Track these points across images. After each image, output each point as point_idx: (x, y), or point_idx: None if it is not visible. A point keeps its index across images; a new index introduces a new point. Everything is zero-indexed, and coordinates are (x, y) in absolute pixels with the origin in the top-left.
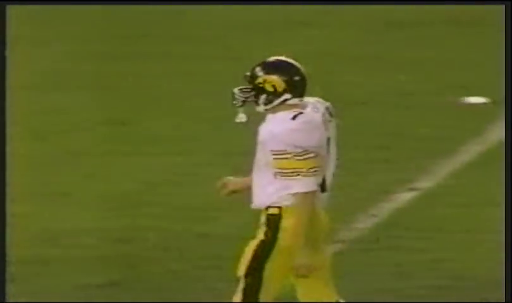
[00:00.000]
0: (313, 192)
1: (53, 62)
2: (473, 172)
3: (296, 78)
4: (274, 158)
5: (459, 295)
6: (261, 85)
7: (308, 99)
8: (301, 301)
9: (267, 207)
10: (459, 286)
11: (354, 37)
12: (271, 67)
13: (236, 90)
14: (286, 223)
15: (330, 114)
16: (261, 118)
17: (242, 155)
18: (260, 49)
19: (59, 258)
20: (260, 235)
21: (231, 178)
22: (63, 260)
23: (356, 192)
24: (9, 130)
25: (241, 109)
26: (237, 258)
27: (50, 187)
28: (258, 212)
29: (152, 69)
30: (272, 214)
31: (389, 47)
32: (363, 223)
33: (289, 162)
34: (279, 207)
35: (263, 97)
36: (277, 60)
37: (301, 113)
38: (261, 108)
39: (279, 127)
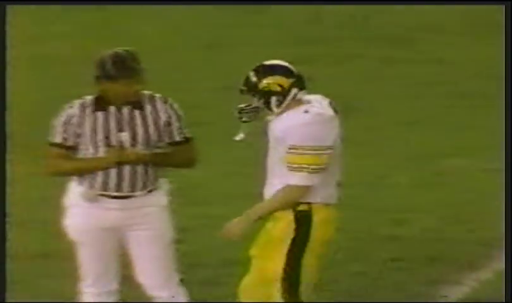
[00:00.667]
0: (307, 187)
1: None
2: None
3: (296, 72)
4: (289, 153)
5: None
6: (267, 88)
7: (309, 96)
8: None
9: (296, 205)
10: None
11: None
12: (269, 70)
13: (240, 109)
14: (317, 217)
15: (335, 110)
16: None
17: (436, 158)
18: (448, 51)
19: None
20: (289, 235)
21: None
22: None
23: None
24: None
25: (244, 126)
26: (430, 260)
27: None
28: (450, 213)
29: (343, 72)
30: (302, 211)
31: None
32: None
33: (297, 157)
34: (309, 203)
35: (274, 99)
36: (269, 63)
37: (311, 107)
38: (275, 111)
39: (296, 122)
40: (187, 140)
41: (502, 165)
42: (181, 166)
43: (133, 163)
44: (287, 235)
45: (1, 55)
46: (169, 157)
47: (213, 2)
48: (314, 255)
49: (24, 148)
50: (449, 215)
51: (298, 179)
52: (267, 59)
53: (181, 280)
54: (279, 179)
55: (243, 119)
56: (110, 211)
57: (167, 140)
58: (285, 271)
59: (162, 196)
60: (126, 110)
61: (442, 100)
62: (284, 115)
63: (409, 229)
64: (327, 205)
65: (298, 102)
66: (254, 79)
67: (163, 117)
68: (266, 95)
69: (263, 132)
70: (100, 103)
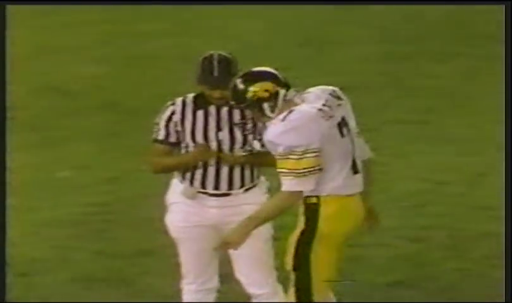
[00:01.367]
0: (298, 193)
1: (358, 63)
2: None
3: (276, 73)
4: (278, 159)
5: None
6: (256, 96)
7: (310, 89)
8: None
9: (306, 197)
10: None
11: None
12: (250, 78)
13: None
14: (325, 211)
15: (338, 97)
16: None
17: None
18: None
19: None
20: (301, 225)
21: None
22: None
23: None
24: None
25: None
26: None
27: None
28: None
29: (442, 69)
30: (311, 203)
31: None
32: None
33: (287, 162)
34: (317, 196)
35: (266, 105)
36: (248, 72)
37: (291, 111)
38: (271, 116)
39: (271, 133)
40: None
41: None
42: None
43: (230, 165)
44: (299, 227)
45: (1, 55)
46: (265, 156)
47: (312, 1)
48: (329, 248)
49: (128, 147)
50: None
51: (287, 185)
52: (369, 56)
53: (279, 278)
54: None
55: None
56: (209, 209)
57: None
58: (294, 263)
59: (260, 194)
60: (225, 110)
61: None
62: (270, 123)
63: (508, 226)
64: (339, 196)
65: (290, 103)
66: (239, 88)
67: None
68: (256, 103)
69: None
70: (201, 102)
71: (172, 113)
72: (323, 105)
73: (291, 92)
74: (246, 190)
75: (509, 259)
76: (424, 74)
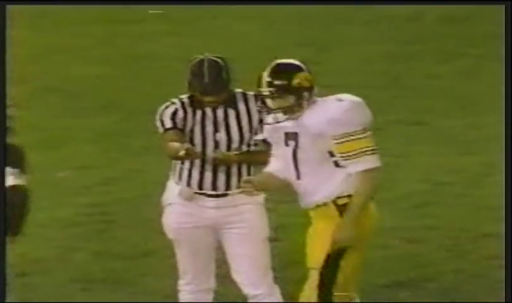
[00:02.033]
0: (378, 169)
1: (360, 63)
2: None
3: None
4: (337, 143)
5: None
6: (300, 85)
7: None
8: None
9: (336, 198)
10: None
11: None
12: (295, 67)
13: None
14: None
15: None
16: None
17: None
18: None
19: None
20: (331, 226)
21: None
22: None
23: None
24: None
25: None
26: None
27: None
28: None
29: (443, 69)
30: (344, 205)
31: None
32: None
33: (353, 143)
34: (349, 196)
35: (306, 95)
36: (288, 62)
37: (335, 96)
38: (305, 107)
39: (333, 112)
40: None
41: None
42: None
43: (223, 164)
44: (326, 229)
45: (1, 55)
46: (261, 155)
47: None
48: (355, 250)
49: (128, 147)
50: None
51: (370, 162)
52: (371, 57)
53: (276, 278)
54: (327, 175)
55: (279, 120)
56: (207, 210)
57: (261, 137)
58: (325, 262)
59: (257, 194)
60: (220, 111)
61: None
62: (313, 108)
63: (508, 226)
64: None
65: (314, 97)
66: (283, 79)
67: (256, 115)
68: (300, 92)
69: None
70: (197, 103)
71: (176, 110)
72: None
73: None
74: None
75: (510, 259)
76: (425, 74)
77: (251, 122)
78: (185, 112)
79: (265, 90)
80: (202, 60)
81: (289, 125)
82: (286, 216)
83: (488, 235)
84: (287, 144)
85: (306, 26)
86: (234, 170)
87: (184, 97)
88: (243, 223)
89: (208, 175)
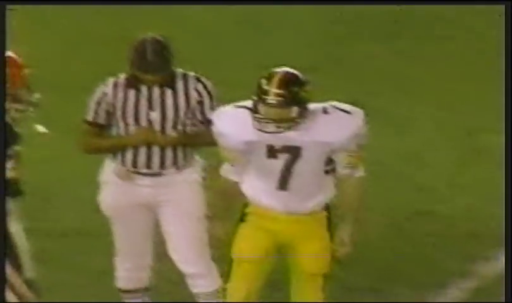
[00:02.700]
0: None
1: (303, 45)
2: None
3: None
4: (350, 156)
5: None
6: (307, 97)
7: None
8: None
9: (325, 211)
10: None
11: None
12: (303, 78)
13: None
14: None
15: None
16: None
17: (475, 134)
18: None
19: None
20: (326, 236)
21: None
22: None
23: None
24: None
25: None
26: (466, 237)
27: None
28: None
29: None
30: (328, 215)
31: None
32: None
33: (360, 158)
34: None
35: (308, 107)
36: (294, 72)
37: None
38: (306, 118)
39: (354, 127)
40: None
41: None
42: (213, 145)
43: (162, 146)
44: (324, 237)
45: (1, 55)
46: (199, 137)
47: None
48: None
49: (63, 126)
50: (486, 192)
51: (361, 171)
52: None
53: (214, 257)
54: (320, 183)
55: (281, 131)
56: (142, 188)
57: (199, 118)
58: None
59: (193, 173)
60: (157, 90)
61: (481, 76)
62: (322, 123)
63: (446, 206)
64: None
65: None
66: (293, 89)
67: (195, 96)
68: (305, 103)
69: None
70: (132, 82)
71: (103, 94)
72: None
73: None
74: (179, 169)
75: (509, 258)
76: (365, 55)
77: (188, 102)
78: (115, 94)
79: (273, 99)
80: (145, 39)
81: (289, 138)
82: None
83: (424, 214)
84: (274, 157)
85: (245, 7)
86: (169, 149)
87: (121, 77)
88: (179, 201)
89: (142, 154)
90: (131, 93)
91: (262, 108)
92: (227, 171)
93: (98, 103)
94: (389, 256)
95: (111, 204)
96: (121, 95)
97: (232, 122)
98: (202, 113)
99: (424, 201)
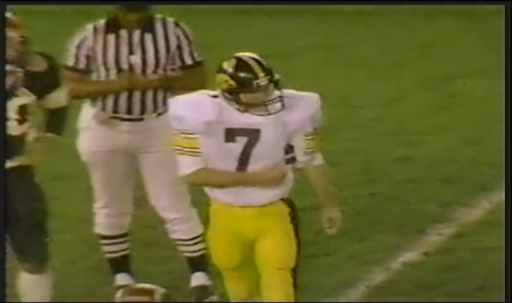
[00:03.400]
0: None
1: None
2: None
3: None
4: (307, 139)
5: None
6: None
7: None
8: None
9: (287, 202)
10: None
11: None
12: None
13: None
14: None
15: None
16: None
17: (450, 80)
18: None
19: None
20: (290, 226)
21: None
22: None
23: None
24: None
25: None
26: (443, 182)
27: None
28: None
29: None
30: (291, 210)
31: None
32: None
33: (316, 139)
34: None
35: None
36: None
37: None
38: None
39: (314, 108)
40: (198, 64)
41: None
42: (192, 90)
43: (143, 89)
44: (288, 228)
45: (1, 55)
46: (179, 81)
47: None
48: None
49: None
50: (462, 137)
51: (319, 158)
52: None
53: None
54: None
55: (272, 112)
56: (122, 134)
57: (178, 63)
58: (296, 262)
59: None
60: (137, 34)
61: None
62: (288, 104)
63: (423, 151)
64: None
65: None
66: (271, 71)
67: (174, 41)
68: (279, 86)
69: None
70: (112, 27)
71: (83, 38)
72: None
73: None
74: (159, 114)
75: (509, 258)
76: None
77: (168, 46)
78: (95, 39)
79: (264, 81)
80: None
81: (250, 121)
82: None
83: (401, 159)
84: (232, 140)
85: None
86: (150, 94)
87: (101, 22)
88: (159, 147)
89: (123, 99)
90: (111, 38)
91: (249, 96)
92: (184, 167)
93: (78, 48)
94: (366, 201)
95: (90, 149)
96: (101, 39)
97: (190, 104)
98: (181, 58)
99: (400, 147)
